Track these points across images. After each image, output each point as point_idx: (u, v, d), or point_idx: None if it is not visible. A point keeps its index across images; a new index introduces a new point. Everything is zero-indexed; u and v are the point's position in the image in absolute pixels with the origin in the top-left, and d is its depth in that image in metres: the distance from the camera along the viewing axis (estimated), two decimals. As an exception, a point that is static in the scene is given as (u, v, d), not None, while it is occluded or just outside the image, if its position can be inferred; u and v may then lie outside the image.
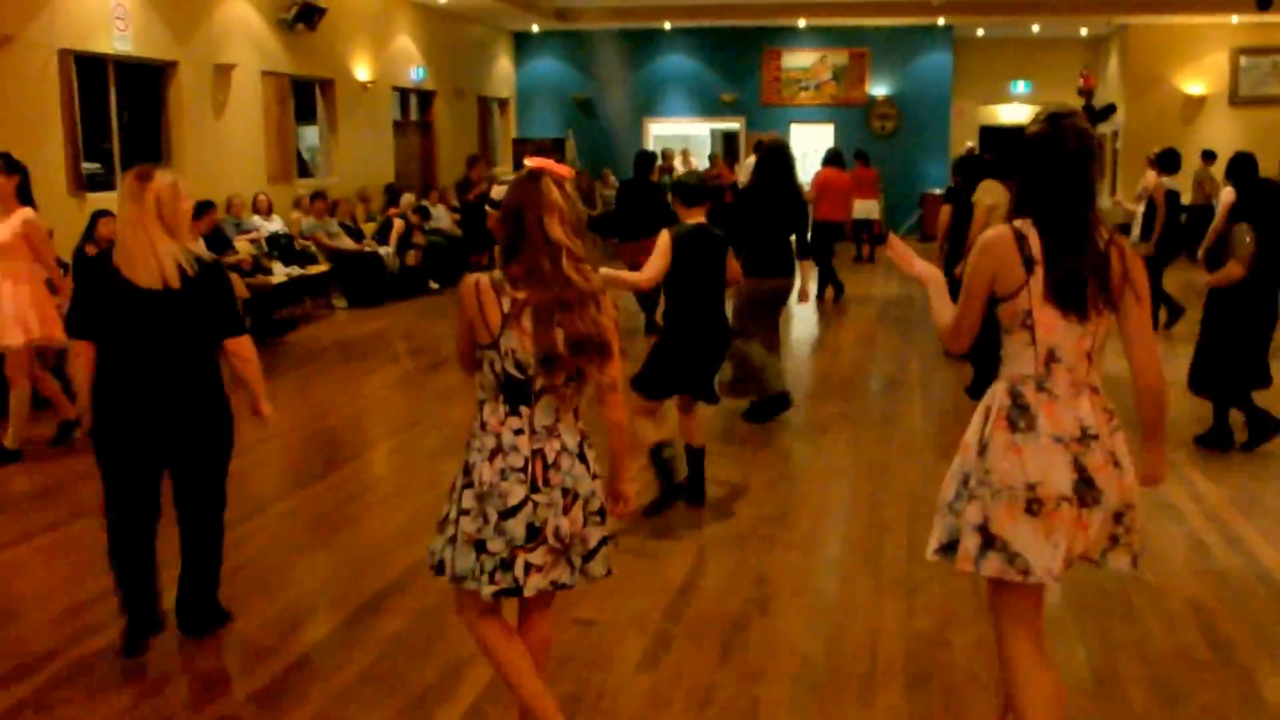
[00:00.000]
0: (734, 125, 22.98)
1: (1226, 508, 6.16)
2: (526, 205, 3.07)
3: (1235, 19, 19.81)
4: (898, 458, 7.16)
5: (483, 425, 3.15)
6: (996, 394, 3.11)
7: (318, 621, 4.81)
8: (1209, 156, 18.02)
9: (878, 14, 20.83)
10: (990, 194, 8.51)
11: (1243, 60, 20.90)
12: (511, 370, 3.09)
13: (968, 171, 9.89)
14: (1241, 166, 8.05)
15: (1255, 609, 4.84)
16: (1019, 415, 3.01)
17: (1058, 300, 2.97)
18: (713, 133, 24.47)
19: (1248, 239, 6.91)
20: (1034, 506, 2.95)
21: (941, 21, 21.26)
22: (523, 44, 23.20)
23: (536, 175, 3.11)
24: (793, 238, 7.92)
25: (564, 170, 3.17)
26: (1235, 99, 20.96)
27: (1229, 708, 3.98)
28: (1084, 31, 22.80)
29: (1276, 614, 4.79)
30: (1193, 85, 21.05)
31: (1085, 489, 2.96)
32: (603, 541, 3.24)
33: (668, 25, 22.04)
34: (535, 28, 22.26)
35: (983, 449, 3.06)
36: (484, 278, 3.10)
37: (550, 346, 3.03)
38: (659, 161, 15.20)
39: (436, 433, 7.92)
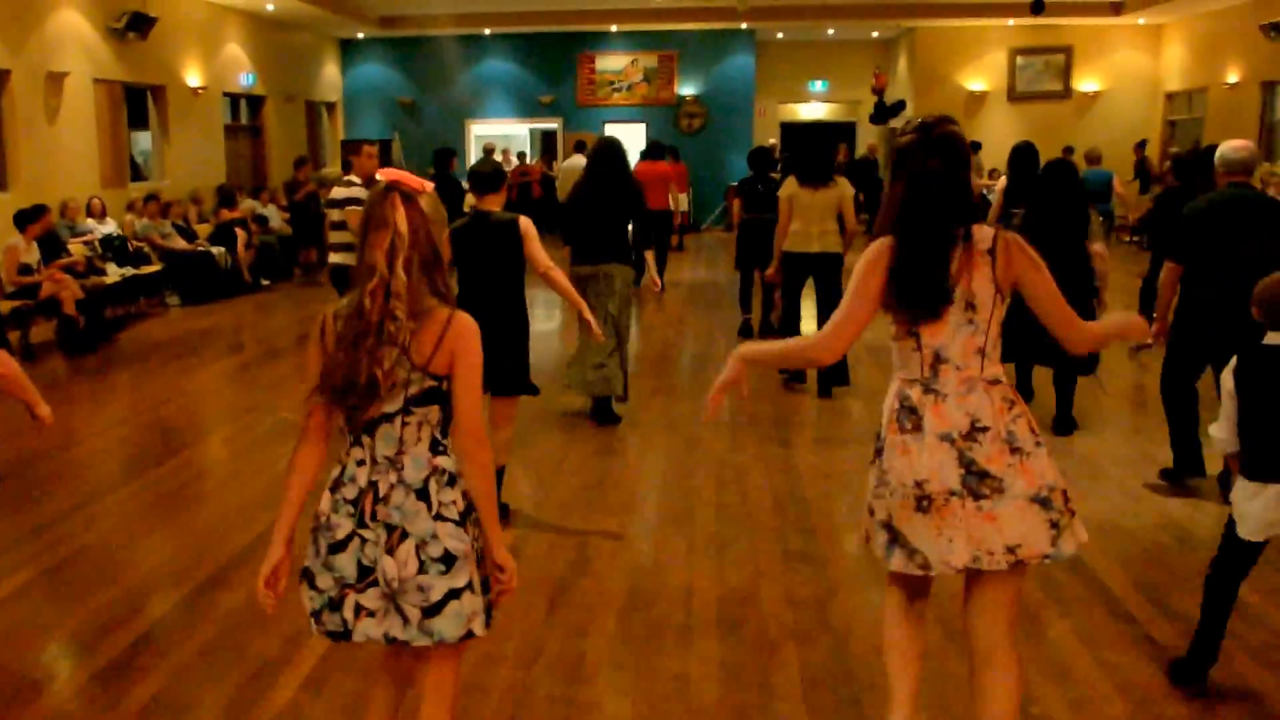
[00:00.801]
0: (552, 125, 23.04)
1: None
2: (364, 224, 2.67)
3: (1012, 22, 20.79)
4: (707, 429, 7.26)
5: (340, 457, 2.75)
6: (890, 397, 3.08)
7: (159, 599, 4.66)
8: (975, 146, 18.87)
9: (686, 19, 21.13)
10: (787, 187, 8.55)
11: (1019, 59, 21.96)
12: (344, 398, 2.69)
13: (757, 164, 10.39)
14: (1019, 155, 8.25)
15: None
16: (906, 417, 2.99)
17: (907, 305, 2.94)
18: (531, 132, 24.46)
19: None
20: (924, 503, 2.92)
21: (745, 26, 21.71)
22: (349, 50, 22.84)
23: (386, 191, 2.67)
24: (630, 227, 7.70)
25: (417, 184, 2.70)
26: (1013, 95, 22.01)
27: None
28: (875, 34, 23.60)
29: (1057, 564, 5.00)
30: (975, 82, 22.00)
31: (977, 482, 2.89)
32: (452, 594, 2.63)
33: (488, 31, 21.96)
34: (361, 35, 22.04)
35: (879, 451, 3.05)
36: (331, 309, 2.72)
37: (358, 377, 2.61)
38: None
39: (270, 418, 7.75)
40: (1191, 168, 8.44)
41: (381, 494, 2.64)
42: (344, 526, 2.65)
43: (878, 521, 3.04)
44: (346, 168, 10.40)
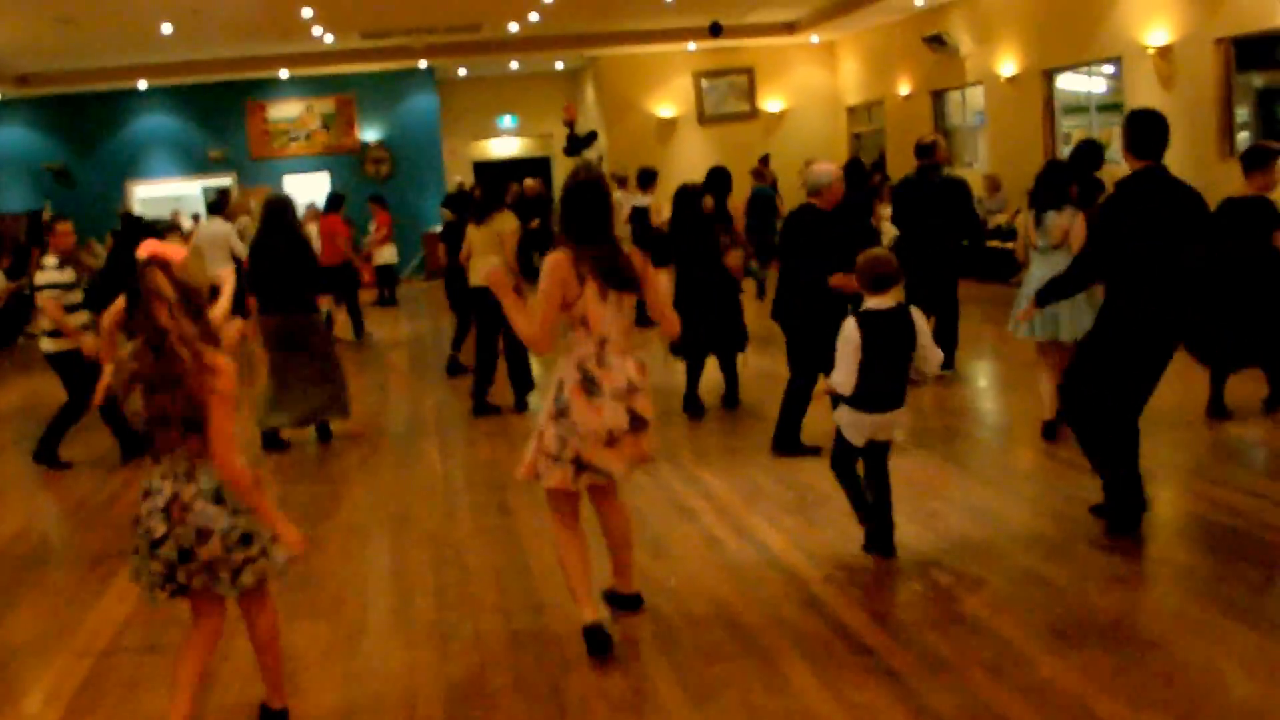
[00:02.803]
0: (225, 181, 21.91)
1: (734, 501, 6.47)
2: (141, 293, 3.58)
3: (693, 46, 21.51)
4: (419, 501, 6.98)
5: (147, 473, 3.81)
6: (568, 370, 4.45)
7: None
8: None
9: (360, 60, 20.68)
10: (507, 222, 9.23)
11: (704, 82, 22.75)
12: (141, 428, 3.71)
13: (456, 207, 10.50)
14: (714, 178, 9.27)
15: (768, 594, 5.08)
16: (589, 385, 4.40)
17: (612, 286, 4.43)
18: (205, 190, 23.20)
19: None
20: (612, 441, 4.42)
21: (423, 64, 21.50)
22: (-16, 113, 21.04)
23: (145, 265, 3.60)
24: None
25: (172, 254, 3.65)
26: (703, 118, 22.77)
27: (757, 695, 4.11)
28: (560, 65, 23.88)
29: (786, 594, 5.05)
30: (664, 108, 22.62)
31: (636, 423, 4.48)
32: (248, 560, 3.77)
33: (144, 84, 20.73)
34: (-2, 96, 20.28)
35: (563, 412, 4.40)
36: (125, 349, 3.69)
37: (149, 413, 3.63)
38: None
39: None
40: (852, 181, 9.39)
41: (187, 501, 3.66)
42: (158, 529, 3.66)
43: (566, 459, 4.41)
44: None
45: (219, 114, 21.75)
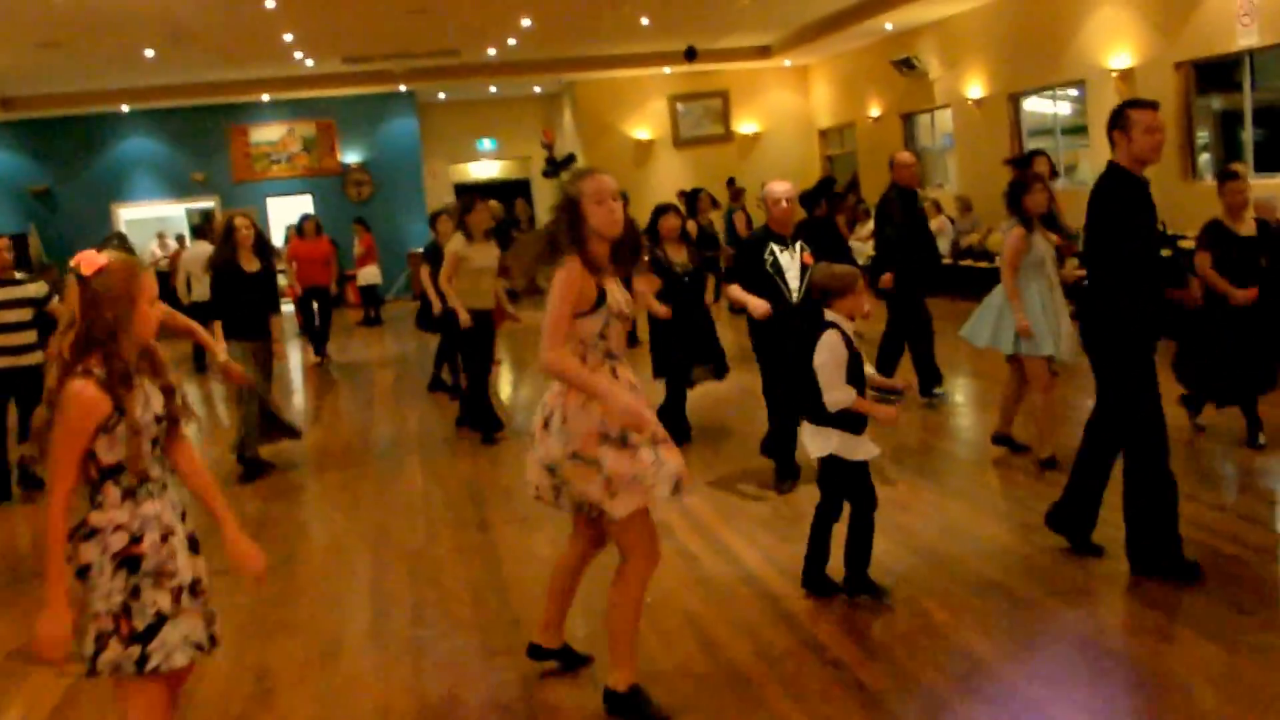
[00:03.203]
0: (209, 204, 21.88)
1: (711, 518, 6.44)
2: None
3: (668, 70, 21.59)
4: (399, 519, 6.95)
5: None
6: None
7: None
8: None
9: (339, 85, 20.69)
10: (455, 242, 8.78)
11: (680, 106, 22.84)
12: None
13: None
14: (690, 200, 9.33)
15: (740, 609, 5.06)
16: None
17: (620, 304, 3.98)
18: (189, 212, 23.15)
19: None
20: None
21: (404, 88, 21.51)
22: (-35, 139, 20.87)
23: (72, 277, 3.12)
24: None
25: (88, 263, 3.10)
26: (678, 141, 22.85)
27: (729, 707, 4.09)
28: (538, 89, 23.94)
29: (760, 609, 5.04)
30: (640, 131, 22.68)
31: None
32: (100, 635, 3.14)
33: (126, 108, 20.67)
34: (-21, 119, 20.15)
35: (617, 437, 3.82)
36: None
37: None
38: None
39: None
40: (810, 200, 9.40)
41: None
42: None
43: (648, 482, 3.86)
44: None
45: (201, 137, 21.70)
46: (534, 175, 24.51)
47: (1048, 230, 6.93)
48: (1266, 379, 6.97)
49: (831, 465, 4.92)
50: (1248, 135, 12.74)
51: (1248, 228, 6.98)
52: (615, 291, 3.98)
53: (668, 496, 3.87)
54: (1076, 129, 15.53)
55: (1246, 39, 11.66)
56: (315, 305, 14.28)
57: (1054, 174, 8.92)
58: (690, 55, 19.18)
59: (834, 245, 8.68)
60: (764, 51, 21.56)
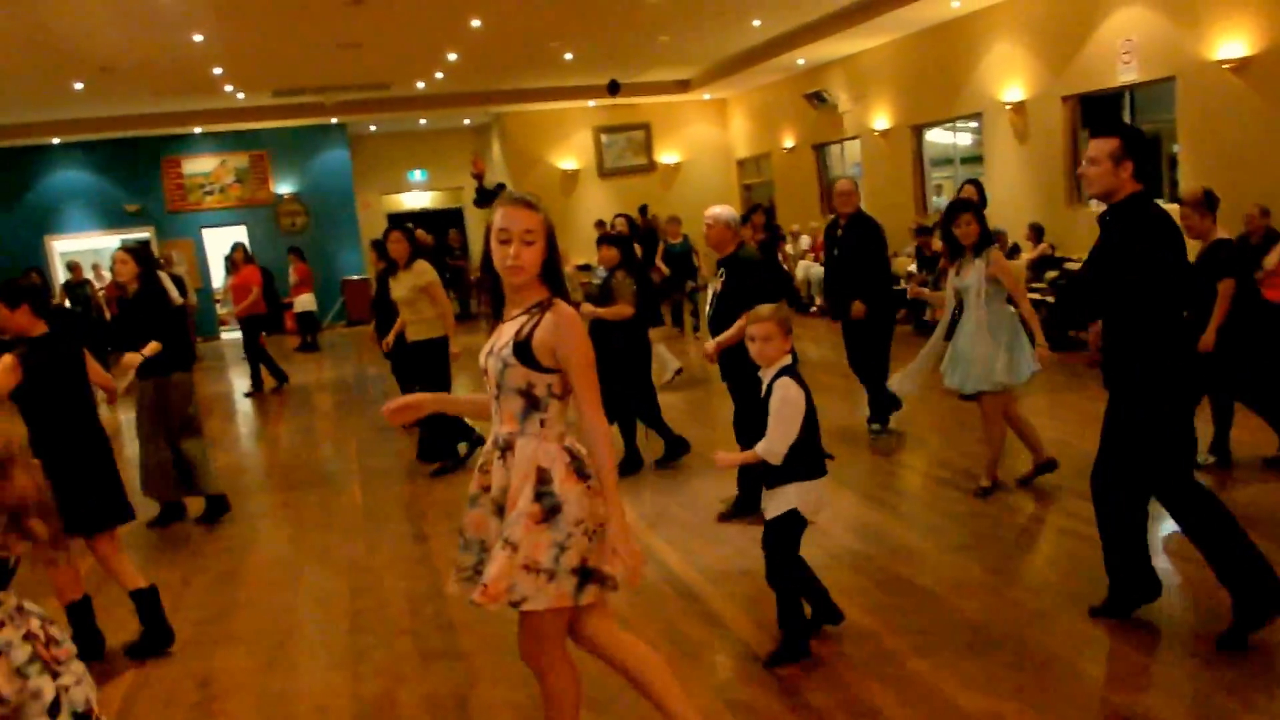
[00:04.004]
0: (144, 235, 21.58)
1: (637, 524, 6.55)
2: None
3: (593, 103, 21.81)
4: (338, 536, 7.00)
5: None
6: (552, 455, 3.15)
7: None
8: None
9: (271, 117, 20.58)
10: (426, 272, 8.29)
11: (604, 137, 23.07)
12: None
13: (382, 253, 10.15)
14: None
15: (667, 610, 5.21)
16: (581, 465, 3.18)
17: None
18: (123, 243, 22.77)
19: (629, 283, 7.60)
20: (598, 533, 3.19)
21: (335, 120, 21.48)
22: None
23: None
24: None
25: None
26: (603, 171, 23.07)
27: (654, 713, 4.22)
28: (467, 121, 24.03)
29: (684, 610, 5.20)
30: (566, 161, 22.87)
31: None
32: None
33: (57, 140, 20.37)
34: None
35: (557, 508, 3.11)
36: None
37: None
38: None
39: None
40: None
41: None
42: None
43: (564, 570, 3.11)
44: None
45: (134, 168, 21.43)
46: (466, 204, 24.57)
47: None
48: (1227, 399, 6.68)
49: (785, 523, 4.39)
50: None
51: None
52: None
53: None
54: (974, 158, 16.02)
55: (1127, 75, 12.17)
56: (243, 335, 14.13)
57: (982, 201, 8.85)
58: (613, 89, 19.42)
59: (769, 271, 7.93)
60: (684, 85, 21.89)
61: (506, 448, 3.21)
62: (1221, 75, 10.87)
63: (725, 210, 6.37)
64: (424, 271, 8.25)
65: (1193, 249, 5.28)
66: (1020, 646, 4.43)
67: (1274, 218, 10.01)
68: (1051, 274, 12.10)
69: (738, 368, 5.96)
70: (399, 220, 23.31)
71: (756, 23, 15.80)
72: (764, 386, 4.37)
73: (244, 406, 13.10)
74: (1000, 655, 4.36)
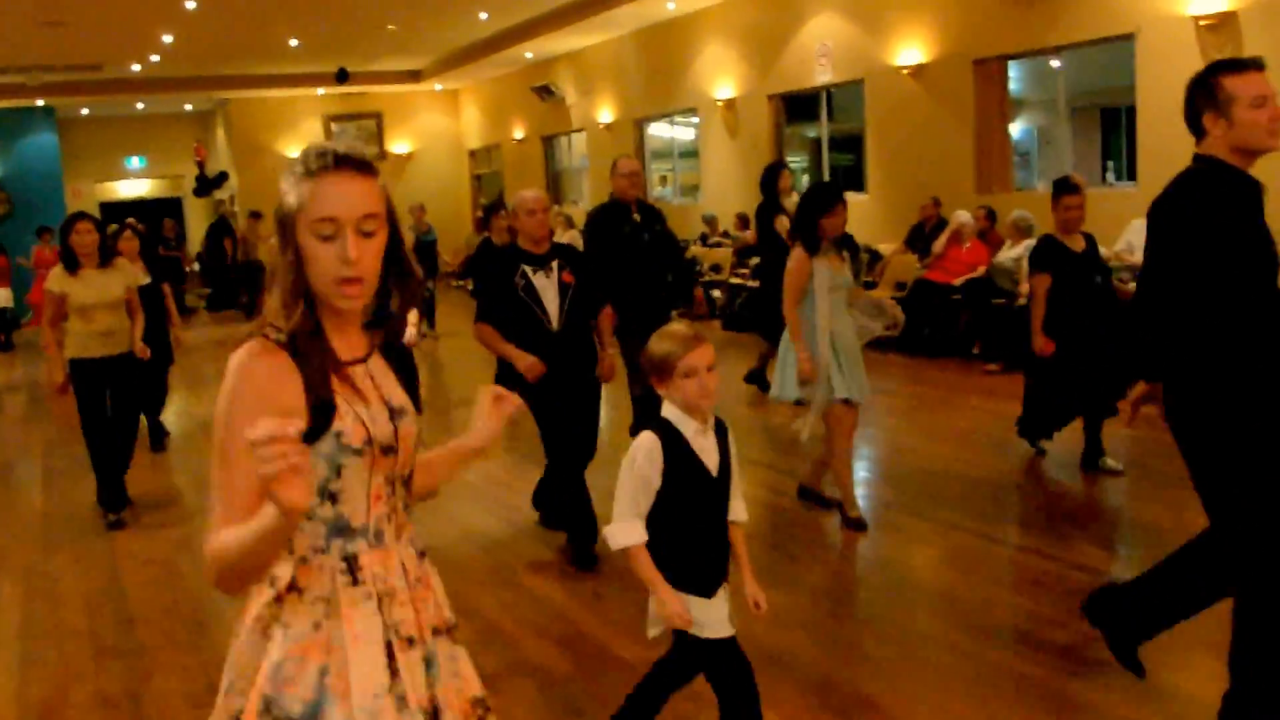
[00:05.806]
0: None
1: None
2: None
3: (322, 91, 21.21)
4: (14, 540, 6.53)
5: None
6: None
7: None
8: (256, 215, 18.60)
9: (-33, 96, 19.00)
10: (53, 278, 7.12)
11: (334, 126, 22.49)
12: None
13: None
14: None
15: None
16: None
17: None
18: None
19: None
20: None
21: (42, 102, 20.00)
22: None
23: None
24: None
25: None
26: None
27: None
28: (189, 107, 22.91)
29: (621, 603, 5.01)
30: (294, 150, 21.75)
31: None
32: None
33: None
34: None
35: None
36: None
37: None
38: None
39: None
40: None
41: None
42: None
43: None
44: None
45: None
46: (186, 193, 23.41)
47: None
48: (1108, 401, 6.16)
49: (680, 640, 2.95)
50: (824, 159, 14.05)
51: (1078, 244, 6.15)
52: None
53: None
54: (692, 152, 16.55)
55: (823, 77, 12.88)
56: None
57: (793, 189, 8.53)
58: (342, 77, 18.99)
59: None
60: (415, 75, 21.59)
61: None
62: (901, 79, 11.67)
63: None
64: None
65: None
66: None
67: (945, 208, 10.86)
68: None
69: (523, 381, 4.97)
70: (117, 209, 22.15)
71: (484, 15, 15.77)
72: None
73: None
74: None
